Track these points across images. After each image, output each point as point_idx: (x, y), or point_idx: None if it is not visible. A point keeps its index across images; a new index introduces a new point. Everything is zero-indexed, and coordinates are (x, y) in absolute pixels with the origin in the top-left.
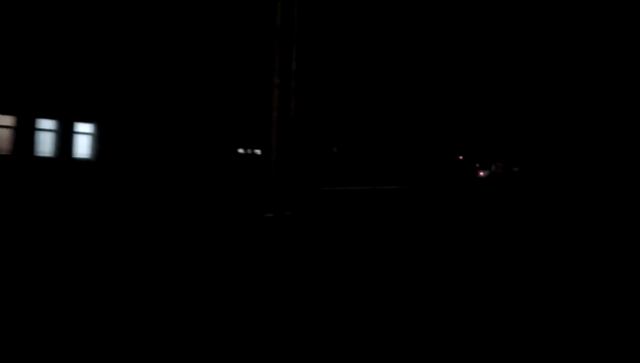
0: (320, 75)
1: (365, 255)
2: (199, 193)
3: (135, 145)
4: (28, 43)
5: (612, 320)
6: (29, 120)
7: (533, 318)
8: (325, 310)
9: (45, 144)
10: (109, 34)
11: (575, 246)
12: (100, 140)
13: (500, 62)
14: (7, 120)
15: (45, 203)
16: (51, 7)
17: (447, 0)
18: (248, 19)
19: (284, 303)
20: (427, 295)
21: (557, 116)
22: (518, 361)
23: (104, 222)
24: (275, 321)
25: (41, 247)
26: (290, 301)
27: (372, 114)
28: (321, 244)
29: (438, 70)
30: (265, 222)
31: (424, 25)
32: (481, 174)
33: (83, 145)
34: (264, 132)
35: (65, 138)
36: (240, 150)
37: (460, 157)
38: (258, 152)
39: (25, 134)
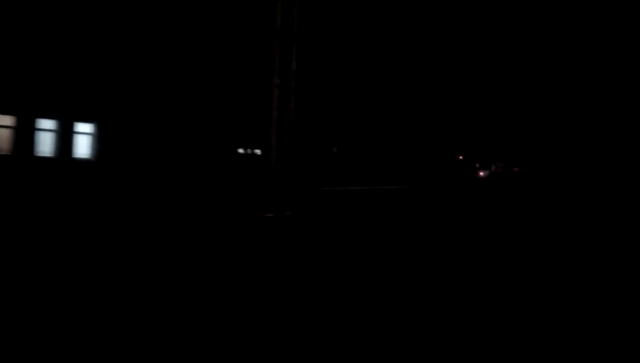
0: (320, 75)
1: (365, 255)
2: (198, 193)
3: (135, 145)
4: (28, 43)
5: (612, 319)
6: (29, 120)
7: (532, 318)
8: (324, 310)
9: (45, 144)
10: (109, 33)
11: (574, 246)
12: (100, 140)
13: (500, 62)
14: (7, 120)
15: (45, 204)
16: (51, 7)
17: (447, 0)
18: (248, 19)
19: (283, 303)
20: (425, 295)
21: (557, 116)
22: (517, 361)
23: (104, 222)
24: (273, 321)
25: (40, 247)
26: (288, 301)
27: (372, 114)
28: (320, 244)
29: (438, 70)
30: (265, 222)
31: (424, 25)
32: (481, 174)
33: (83, 145)
34: (264, 132)
35: (65, 138)
36: (241, 150)
37: (460, 157)
38: (258, 152)
39: (25, 134)
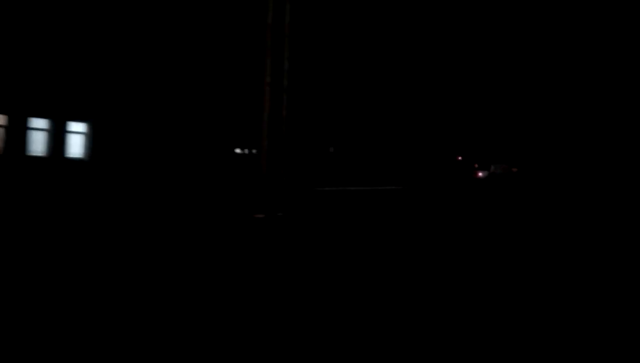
0: (317, 74)
1: (357, 257)
2: (191, 193)
3: (129, 145)
4: (21, 42)
5: (611, 319)
6: (21, 119)
7: (531, 318)
8: (314, 312)
9: (37, 143)
10: (103, 33)
11: (573, 245)
12: (93, 140)
13: (500, 63)
14: None
15: (38, 203)
16: (45, 6)
17: (446, 0)
18: (243, 17)
19: (265, 306)
20: (421, 296)
21: (556, 117)
22: (517, 360)
23: (96, 222)
24: (261, 322)
25: (33, 247)
26: (270, 303)
27: (369, 113)
28: (310, 245)
29: (437, 70)
30: (255, 223)
31: (422, 24)
32: (480, 174)
33: (76, 144)
34: (257, 131)
35: (57, 137)
36: (238, 150)
37: (459, 158)
38: (256, 151)
39: (17, 133)
